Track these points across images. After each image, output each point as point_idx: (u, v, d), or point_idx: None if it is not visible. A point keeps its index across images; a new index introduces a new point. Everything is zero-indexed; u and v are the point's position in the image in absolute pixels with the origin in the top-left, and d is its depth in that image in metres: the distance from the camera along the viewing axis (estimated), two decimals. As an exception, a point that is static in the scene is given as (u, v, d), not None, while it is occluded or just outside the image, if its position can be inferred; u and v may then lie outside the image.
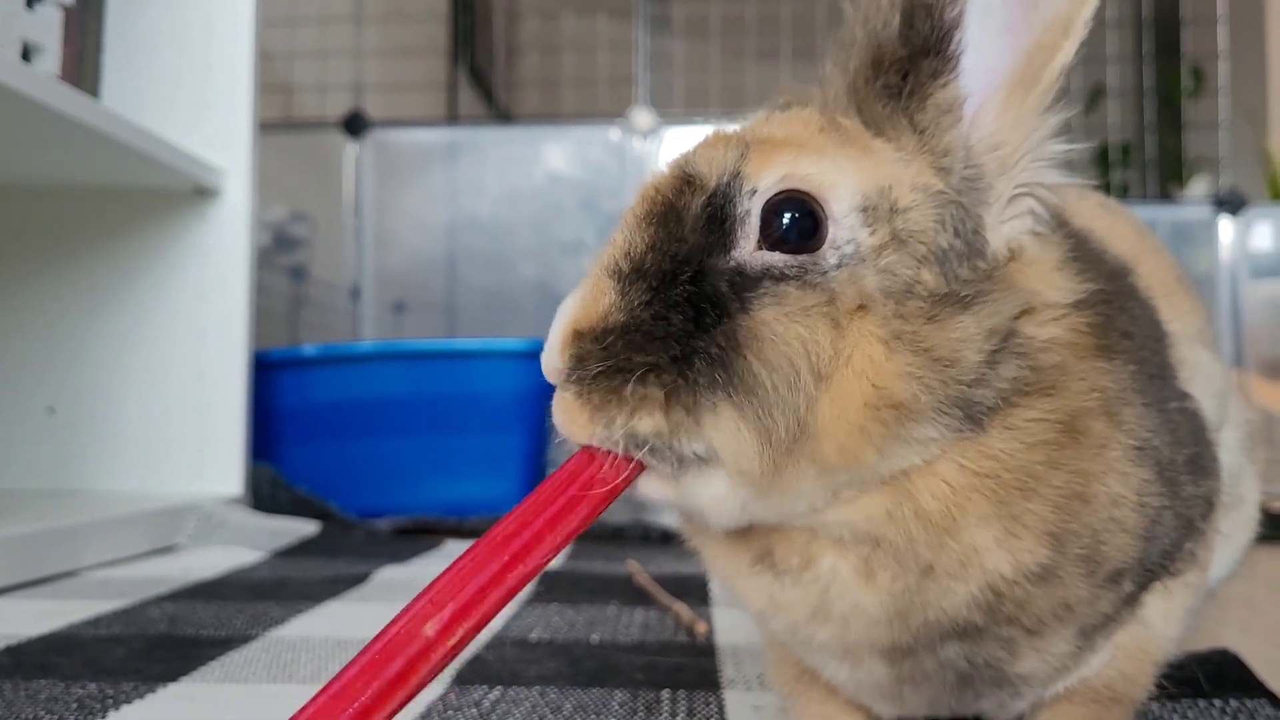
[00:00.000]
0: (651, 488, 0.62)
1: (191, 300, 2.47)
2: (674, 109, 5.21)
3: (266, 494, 2.54)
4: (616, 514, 2.55)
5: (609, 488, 0.61)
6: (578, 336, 0.61)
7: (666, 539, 2.32)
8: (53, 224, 2.50)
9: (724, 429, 0.59)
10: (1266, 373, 3.97)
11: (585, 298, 0.63)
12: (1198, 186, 5.06)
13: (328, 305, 4.18)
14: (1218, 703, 1.00)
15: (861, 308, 0.60)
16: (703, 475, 0.61)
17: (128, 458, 2.46)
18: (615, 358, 0.60)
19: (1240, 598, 1.70)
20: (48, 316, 2.49)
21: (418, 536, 2.40)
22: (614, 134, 3.98)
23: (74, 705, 1.02)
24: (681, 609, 1.46)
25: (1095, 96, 5.42)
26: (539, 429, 2.89)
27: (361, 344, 3.77)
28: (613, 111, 4.11)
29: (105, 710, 1.01)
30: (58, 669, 1.16)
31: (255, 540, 2.17)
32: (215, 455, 2.44)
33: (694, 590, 1.64)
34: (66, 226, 2.50)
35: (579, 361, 0.61)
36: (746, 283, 0.61)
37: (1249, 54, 5.39)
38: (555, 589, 1.65)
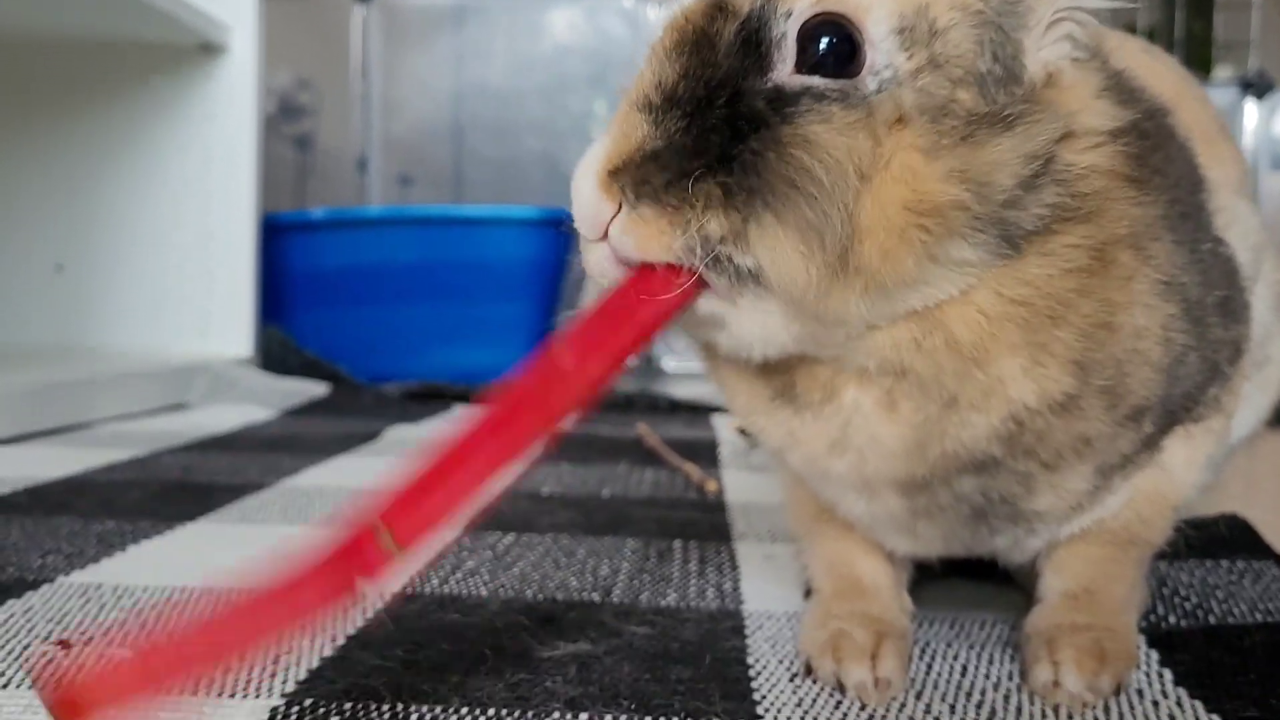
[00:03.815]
0: (712, 304, 0.61)
1: (198, 161, 2.43)
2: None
3: (276, 356, 2.55)
4: (623, 383, 2.56)
5: (675, 294, 0.59)
6: (616, 173, 0.59)
7: (674, 408, 2.34)
8: (58, 79, 2.46)
9: (767, 240, 0.58)
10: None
11: (616, 136, 0.61)
12: (1224, 71, 4.93)
13: (334, 177, 4.12)
14: (1225, 563, 1.01)
15: (900, 120, 0.59)
16: (759, 297, 0.60)
17: (136, 316, 2.47)
18: (672, 169, 0.58)
19: (1242, 473, 1.71)
20: (55, 173, 2.47)
21: (426, 400, 2.41)
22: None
23: (94, 539, 1.04)
24: (691, 469, 1.47)
25: (1123, -24, 5.25)
26: (548, 298, 2.88)
27: (371, 208, 3.74)
28: (626, -24, 3.99)
29: (125, 544, 1.03)
30: (76, 508, 1.18)
31: (266, 399, 2.18)
32: (223, 316, 2.44)
33: (703, 453, 1.65)
34: (72, 82, 2.46)
35: (641, 183, 0.59)
36: (786, 99, 0.59)
37: (1284, -67, 5.19)
38: (564, 449, 1.66)
